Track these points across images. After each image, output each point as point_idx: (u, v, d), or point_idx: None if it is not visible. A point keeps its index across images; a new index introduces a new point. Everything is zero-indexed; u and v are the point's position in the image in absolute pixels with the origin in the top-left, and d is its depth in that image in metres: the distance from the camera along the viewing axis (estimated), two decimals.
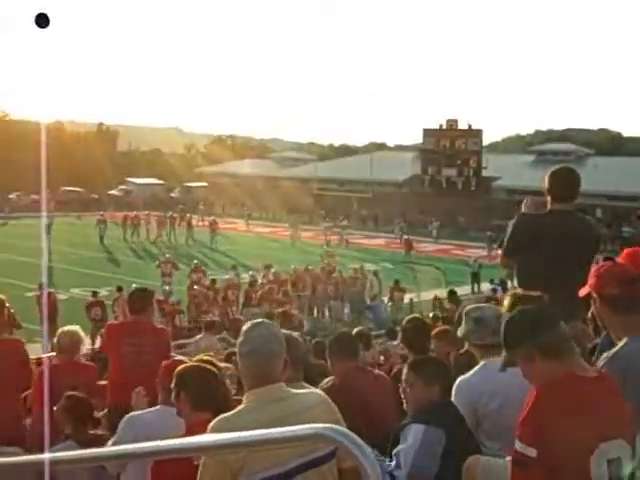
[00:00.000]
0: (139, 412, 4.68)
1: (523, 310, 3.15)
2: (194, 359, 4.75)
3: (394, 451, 3.89)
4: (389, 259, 36.52)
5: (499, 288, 23.02)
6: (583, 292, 3.54)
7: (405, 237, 40.75)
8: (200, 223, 46.54)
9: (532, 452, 2.70)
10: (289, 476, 3.07)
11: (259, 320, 3.43)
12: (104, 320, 17.39)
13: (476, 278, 29.10)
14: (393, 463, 3.84)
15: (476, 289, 28.56)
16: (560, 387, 2.84)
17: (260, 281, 24.20)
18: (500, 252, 5.47)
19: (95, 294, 20.42)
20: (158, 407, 4.66)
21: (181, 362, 4.66)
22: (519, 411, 2.84)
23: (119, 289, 20.23)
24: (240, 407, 3.25)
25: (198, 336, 13.77)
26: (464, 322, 4.58)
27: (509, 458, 2.92)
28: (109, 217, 44.23)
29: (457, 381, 4.31)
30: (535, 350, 2.91)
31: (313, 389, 3.90)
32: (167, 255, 30.52)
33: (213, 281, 23.53)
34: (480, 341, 4.46)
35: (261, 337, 3.26)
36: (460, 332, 4.64)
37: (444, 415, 3.92)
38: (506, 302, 4.31)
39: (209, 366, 4.22)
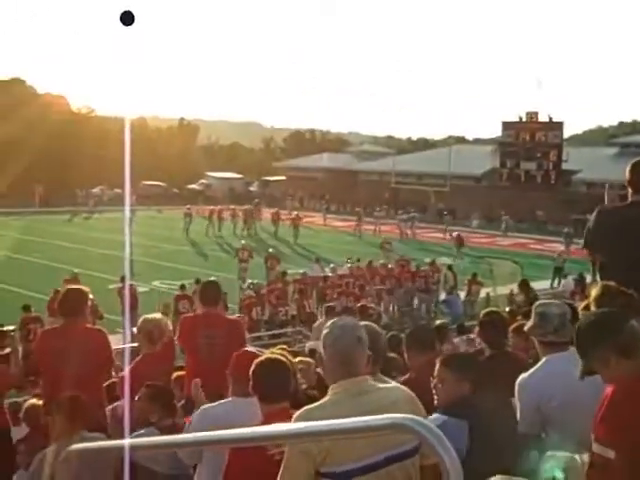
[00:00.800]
0: (212, 404, 4.71)
1: (590, 315, 3.13)
2: (268, 352, 4.80)
3: None
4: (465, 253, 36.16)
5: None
6: None
7: (455, 232, 39.60)
8: (283, 217, 46.82)
9: (611, 453, 2.68)
10: (373, 469, 3.06)
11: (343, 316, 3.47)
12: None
13: (559, 273, 28.51)
14: None
15: (556, 284, 28.00)
16: (636, 387, 2.81)
17: (336, 274, 24.22)
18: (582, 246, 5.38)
19: (183, 287, 20.64)
20: (230, 399, 4.69)
21: (251, 353, 4.71)
22: (583, 406, 2.81)
23: (197, 282, 20.45)
24: (325, 399, 3.25)
25: (318, 321, 14.49)
26: (532, 317, 4.54)
27: (585, 459, 2.89)
28: (195, 211, 44.89)
29: (519, 379, 4.28)
30: (609, 351, 2.89)
31: (396, 383, 3.88)
32: (242, 242, 31.62)
33: (283, 273, 23.64)
34: (542, 337, 4.42)
35: (346, 328, 3.28)
36: (526, 327, 4.61)
37: (470, 408, 3.90)
38: (594, 292, 4.21)
39: (282, 358, 4.27)
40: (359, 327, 3.34)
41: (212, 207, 46.27)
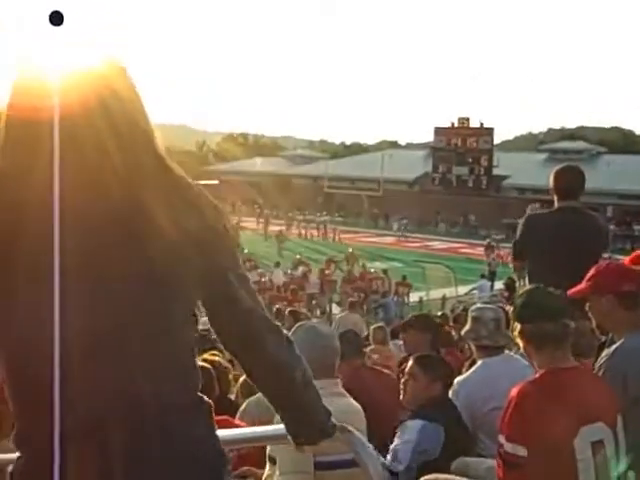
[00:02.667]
0: None
1: (539, 290, 3.17)
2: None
3: (391, 446, 3.90)
4: (397, 258, 36.53)
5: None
6: (583, 290, 3.51)
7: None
8: None
9: (523, 451, 2.73)
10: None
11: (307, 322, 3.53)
12: None
13: (492, 278, 28.91)
14: (388, 457, 3.83)
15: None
16: (539, 382, 2.92)
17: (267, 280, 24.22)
18: (511, 257, 5.47)
19: None
20: None
21: None
22: None
23: None
24: None
25: (340, 314, 15.10)
26: (468, 321, 4.60)
27: (495, 461, 2.94)
28: None
29: (455, 381, 4.32)
30: (521, 336, 3.01)
31: None
32: None
33: None
34: (476, 341, 4.48)
35: (327, 332, 3.43)
36: (462, 331, 4.67)
37: (444, 413, 3.93)
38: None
39: (204, 364, 4.26)
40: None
41: None
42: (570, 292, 3.46)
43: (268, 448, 3.20)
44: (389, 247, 43.27)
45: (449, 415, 3.94)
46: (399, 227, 49.72)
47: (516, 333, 3.07)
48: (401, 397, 4.13)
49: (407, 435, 3.81)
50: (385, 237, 48.02)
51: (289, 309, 15.13)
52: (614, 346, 3.32)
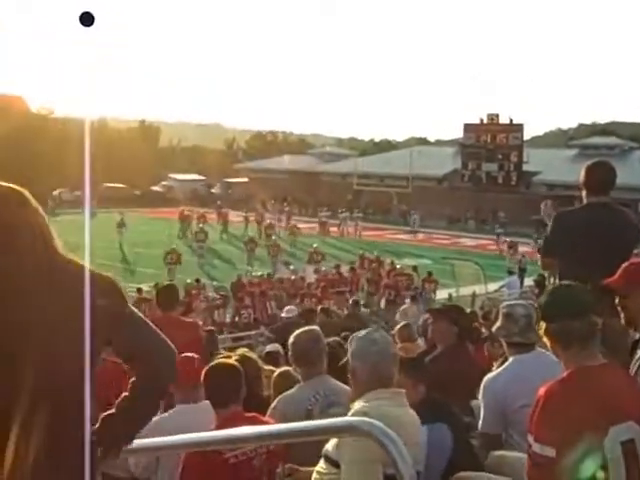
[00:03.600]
0: (163, 415, 4.58)
1: (564, 288, 3.15)
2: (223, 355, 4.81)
3: None
4: (426, 255, 36.47)
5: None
6: (617, 282, 3.47)
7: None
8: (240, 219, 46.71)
9: (551, 452, 2.71)
10: None
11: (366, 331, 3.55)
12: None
13: (523, 274, 28.72)
14: None
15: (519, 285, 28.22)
16: (566, 382, 2.88)
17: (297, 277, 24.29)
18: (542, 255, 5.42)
19: (139, 290, 20.48)
20: (177, 408, 4.68)
21: (190, 359, 4.77)
22: None
23: (156, 286, 20.27)
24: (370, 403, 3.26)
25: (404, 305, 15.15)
26: (499, 317, 4.57)
27: (526, 459, 2.92)
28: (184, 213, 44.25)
29: (484, 379, 4.31)
30: (548, 335, 2.98)
31: None
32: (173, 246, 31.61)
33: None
34: (507, 338, 4.45)
35: (384, 339, 3.46)
36: (493, 328, 4.64)
37: (446, 413, 3.93)
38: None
39: (232, 362, 4.29)
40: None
41: (199, 209, 45.79)
42: (606, 282, 3.42)
43: (327, 447, 3.20)
44: (419, 244, 43.16)
45: (452, 415, 3.94)
46: (411, 222, 49.76)
47: (542, 332, 3.05)
48: None
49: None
50: (414, 234, 47.90)
51: (320, 307, 15.17)
52: None
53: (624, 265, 3.47)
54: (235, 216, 48.59)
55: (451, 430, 3.84)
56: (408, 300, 19.09)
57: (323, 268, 26.61)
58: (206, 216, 44.35)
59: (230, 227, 46.10)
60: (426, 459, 3.66)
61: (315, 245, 32.54)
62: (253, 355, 5.58)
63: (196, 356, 5.00)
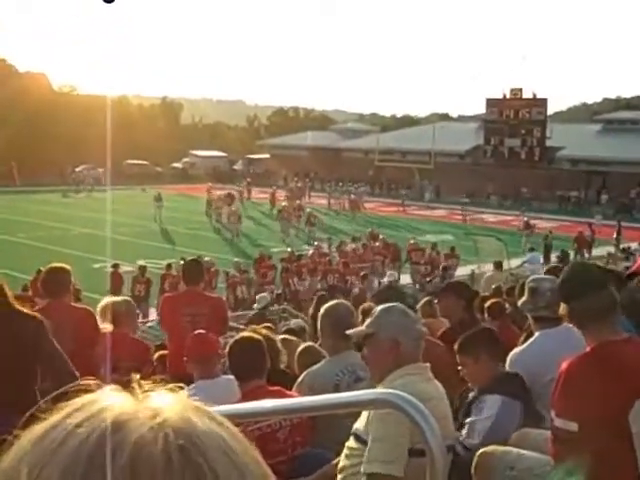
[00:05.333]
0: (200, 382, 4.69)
1: (579, 266, 3.14)
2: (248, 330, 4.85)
3: (466, 420, 3.90)
4: (449, 231, 36.33)
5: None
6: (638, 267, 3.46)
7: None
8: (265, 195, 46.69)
9: (574, 426, 2.71)
10: None
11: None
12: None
13: (548, 250, 28.45)
14: (464, 432, 3.85)
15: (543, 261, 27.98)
16: (588, 357, 2.88)
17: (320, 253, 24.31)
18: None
19: (169, 266, 20.50)
20: (195, 384, 4.67)
21: (204, 336, 4.79)
22: None
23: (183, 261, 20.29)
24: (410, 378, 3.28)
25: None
26: (525, 292, 4.54)
27: (549, 434, 2.92)
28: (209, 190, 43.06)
29: (510, 354, 4.30)
30: (569, 313, 2.96)
31: None
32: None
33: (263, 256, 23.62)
34: (534, 312, 4.43)
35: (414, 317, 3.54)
36: (519, 302, 4.62)
37: (517, 387, 3.93)
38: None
39: (256, 336, 4.32)
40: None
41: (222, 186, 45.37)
42: (629, 272, 3.42)
43: (356, 425, 3.22)
44: (441, 220, 43.00)
45: (522, 389, 3.97)
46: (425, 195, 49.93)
47: (562, 311, 3.04)
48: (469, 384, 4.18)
49: (486, 411, 3.83)
50: (436, 210, 47.71)
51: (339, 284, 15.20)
52: None
53: None
54: (258, 192, 48.61)
55: (523, 407, 3.88)
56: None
57: (345, 245, 26.50)
58: (233, 195, 43.58)
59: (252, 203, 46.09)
60: (492, 432, 3.70)
61: (336, 221, 32.51)
62: (266, 332, 5.61)
63: (210, 334, 5.03)
